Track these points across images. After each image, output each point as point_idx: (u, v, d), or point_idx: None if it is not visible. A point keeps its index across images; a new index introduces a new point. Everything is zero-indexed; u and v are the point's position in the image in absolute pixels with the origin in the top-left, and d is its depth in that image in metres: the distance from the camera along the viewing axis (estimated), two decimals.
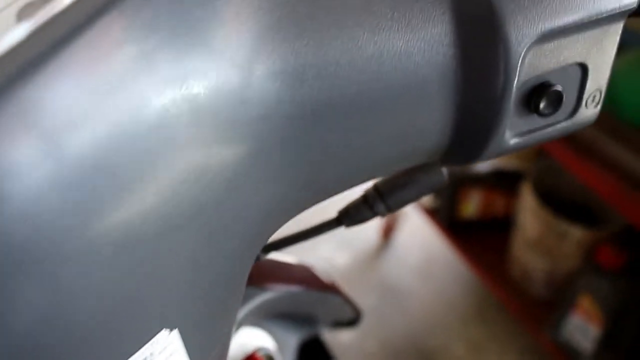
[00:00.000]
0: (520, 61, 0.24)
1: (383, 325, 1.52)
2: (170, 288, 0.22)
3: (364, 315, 1.54)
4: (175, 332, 0.23)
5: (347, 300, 0.51)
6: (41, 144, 0.17)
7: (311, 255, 1.68)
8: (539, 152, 1.40)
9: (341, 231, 1.73)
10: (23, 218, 0.17)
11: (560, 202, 1.33)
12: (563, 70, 0.26)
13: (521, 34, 0.24)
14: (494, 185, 1.50)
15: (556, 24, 0.25)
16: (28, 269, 0.17)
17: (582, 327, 1.20)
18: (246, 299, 0.43)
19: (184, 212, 0.21)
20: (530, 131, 0.27)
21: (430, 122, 0.25)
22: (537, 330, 1.31)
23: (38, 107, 0.17)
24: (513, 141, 0.27)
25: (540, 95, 0.26)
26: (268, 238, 0.28)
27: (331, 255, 1.69)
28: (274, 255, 0.48)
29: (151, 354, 0.22)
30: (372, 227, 1.76)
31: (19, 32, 0.18)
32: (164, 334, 0.22)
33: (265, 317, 0.49)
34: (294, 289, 0.45)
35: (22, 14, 0.19)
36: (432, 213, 1.59)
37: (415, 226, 1.80)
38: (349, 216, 0.37)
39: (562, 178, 1.36)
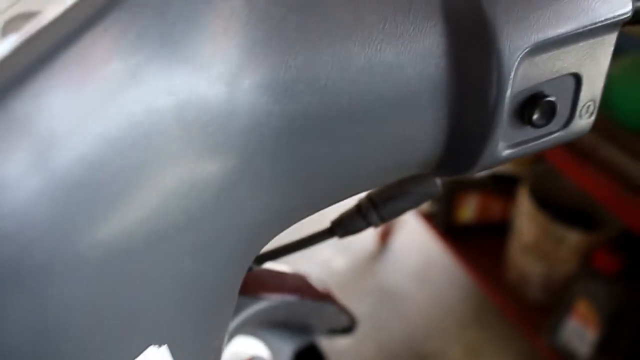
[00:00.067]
0: (513, 72, 0.24)
1: (380, 330, 1.52)
2: (159, 302, 0.22)
3: (360, 319, 1.54)
4: (165, 347, 0.22)
5: (342, 308, 0.51)
6: (29, 158, 0.17)
7: (308, 260, 1.68)
8: (536, 156, 1.40)
9: None
10: (11, 232, 0.16)
11: (557, 207, 1.33)
12: (557, 80, 0.26)
13: (514, 45, 0.24)
14: (491, 189, 1.50)
15: (549, 35, 0.25)
16: (15, 283, 0.17)
17: (579, 331, 1.20)
18: (240, 308, 0.42)
19: (173, 225, 0.21)
20: (523, 142, 0.27)
21: (423, 134, 0.25)
22: (534, 334, 1.31)
23: (23, 122, 0.16)
24: (506, 152, 0.27)
25: (534, 106, 0.26)
26: (260, 249, 0.27)
27: (328, 259, 1.69)
28: (268, 264, 0.48)
29: None
30: (370, 232, 1.76)
31: (4, 46, 0.18)
32: (152, 349, 0.22)
33: (260, 326, 0.48)
34: (288, 298, 0.45)
35: (8, 28, 0.19)
36: (429, 217, 1.58)
37: (412, 230, 1.80)
38: (343, 226, 0.36)
39: (558, 182, 1.36)
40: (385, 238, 1.74)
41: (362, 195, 0.35)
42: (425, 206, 1.59)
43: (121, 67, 0.18)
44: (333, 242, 1.73)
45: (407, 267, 1.70)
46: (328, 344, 1.47)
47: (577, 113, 0.28)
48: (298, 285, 0.47)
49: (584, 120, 0.28)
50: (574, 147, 1.09)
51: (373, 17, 0.23)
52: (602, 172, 1.04)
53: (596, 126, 1.09)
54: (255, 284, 0.44)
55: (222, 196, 0.22)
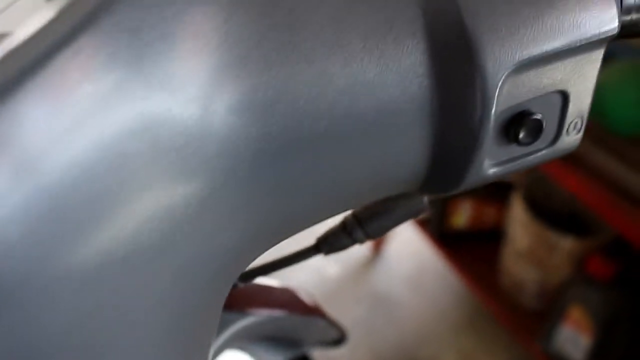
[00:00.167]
0: (497, 91, 0.24)
1: (374, 336, 1.52)
2: (136, 326, 0.21)
3: (355, 325, 1.54)
4: None
5: (331, 322, 0.51)
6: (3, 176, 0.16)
7: (302, 267, 1.67)
8: None
9: None
10: None
11: (550, 213, 1.33)
12: (543, 98, 0.26)
13: (499, 63, 0.23)
14: (485, 196, 1.50)
15: (535, 52, 0.24)
16: None
17: (573, 337, 1.20)
18: (226, 324, 0.42)
19: (149, 250, 0.20)
20: (510, 160, 0.27)
21: (406, 154, 0.25)
22: (528, 340, 1.31)
23: None
24: (492, 170, 0.26)
25: (520, 125, 0.25)
26: (243, 269, 0.27)
27: (322, 266, 1.69)
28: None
29: None
30: None
31: None
32: None
33: (249, 341, 0.48)
34: (275, 313, 0.44)
35: None
36: (423, 224, 1.58)
37: (406, 237, 1.80)
38: (328, 243, 0.36)
39: (552, 189, 1.36)
40: (379, 244, 1.74)
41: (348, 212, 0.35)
42: None
43: (92, 90, 0.18)
44: None
45: (401, 274, 1.69)
46: (322, 350, 1.46)
47: (565, 130, 0.27)
48: (286, 299, 0.47)
49: (571, 137, 0.28)
50: (567, 154, 1.09)
51: (353, 37, 0.22)
52: (594, 178, 1.04)
53: (588, 133, 1.09)
54: (242, 299, 0.44)
55: (199, 220, 0.22)
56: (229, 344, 0.43)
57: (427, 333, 1.53)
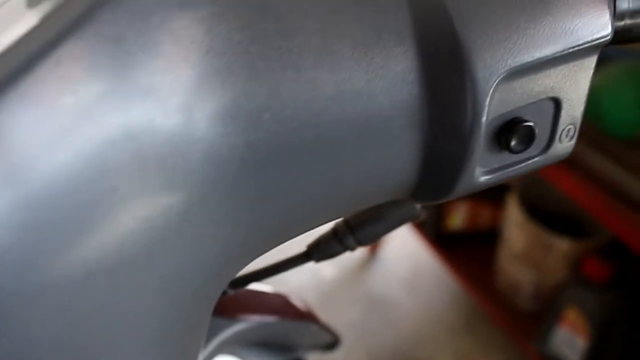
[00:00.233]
0: (489, 98, 0.23)
1: (370, 338, 1.52)
2: (124, 332, 0.21)
3: (350, 327, 1.53)
4: None
5: (323, 327, 0.50)
6: None
7: (297, 269, 1.67)
8: None
9: None
10: None
11: (546, 215, 1.33)
12: (535, 105, 0.25)
13: (490, 70, 0.23)
14: (481, 197, 1.50)
15: (527, 59, 0.24)
16: None
17: (569, 339, 1.20)
18: (217, 330, 0.42)
19: (134, 260, 0.20)
20: (502, 167, 0.26)
21: (397, 162, 0.24)
22: (524, 342, 1.31)
23: None
24: (484, 178, 0.26)
25: (512, 132, 0.25)
26: (231, 278, 0.27)
27: (318, 267, 1.68)
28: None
29: None
30: None
31: None
32: None
33: (240, 346, 0.48)
34: (267, 319, 0.44)
35: None
36: (419, 225, 1.58)
37: (401, 238, 1.79)
38: (319, 250, 0.35)
39: (548, 190, 1.36)
40: (374, 246, 1.74)
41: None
42: None
43: (73, 101, 0.18)
44: None
45: (397, 275, 1.69)
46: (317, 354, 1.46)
47: (557, 137, 0.27)
48: (278, 305, 0.46)
49: (564, 144, 0.27)
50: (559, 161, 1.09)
51: (341, 44, 0.22)
52: (590, 180, 1.04)
53: (584, 135, 1.09)
54: (234, 305, 0.43)
55: (184, 230, 0.21)
56: (220, 350, 0.43)
57: (423, 334, 1.53)
